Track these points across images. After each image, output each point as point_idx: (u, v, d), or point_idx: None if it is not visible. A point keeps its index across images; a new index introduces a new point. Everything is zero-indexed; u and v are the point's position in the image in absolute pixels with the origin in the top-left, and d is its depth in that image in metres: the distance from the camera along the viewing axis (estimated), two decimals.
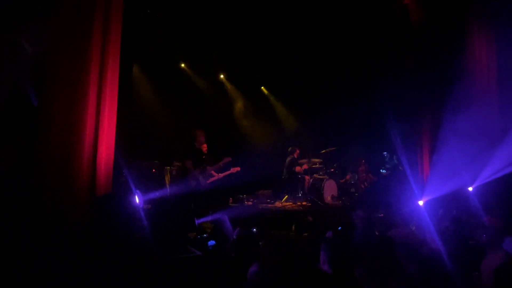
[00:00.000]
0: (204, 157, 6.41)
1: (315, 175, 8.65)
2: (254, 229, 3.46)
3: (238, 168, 6.82)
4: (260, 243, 3.27)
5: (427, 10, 7.48)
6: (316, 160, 8.89)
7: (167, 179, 7.46)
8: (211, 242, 5.24)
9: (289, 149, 8.66)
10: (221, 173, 6.69)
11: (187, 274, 3.16)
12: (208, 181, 6.40)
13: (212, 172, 6.55)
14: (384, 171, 9.88)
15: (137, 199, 3.60)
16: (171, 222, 4.20)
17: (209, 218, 5.50)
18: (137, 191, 3.66)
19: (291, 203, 8.14)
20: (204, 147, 6.51)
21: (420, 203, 6.78)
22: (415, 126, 8.15)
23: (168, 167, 7.62)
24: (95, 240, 3.10)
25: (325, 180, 8.31)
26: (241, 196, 8.40)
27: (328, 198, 8.21)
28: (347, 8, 7.84)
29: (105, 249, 3.00)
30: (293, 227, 6.96)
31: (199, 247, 4.35)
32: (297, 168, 8.45)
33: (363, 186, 9.46)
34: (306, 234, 5.97)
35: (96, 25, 3.66)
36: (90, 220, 3.26)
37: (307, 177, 8.53)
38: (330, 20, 8.14)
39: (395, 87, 8.55)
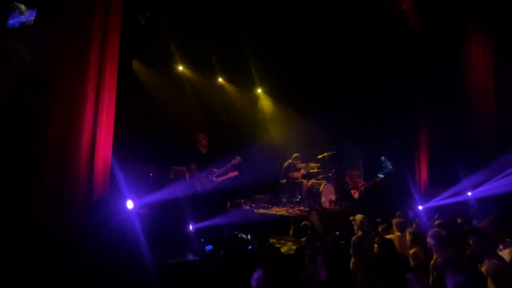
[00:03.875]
0: (206, 158, 6.40)
1: (313, 179, 8.65)
2: (249, 235, 3.45)
3: (236, 173, 6.82)
4: (253, 248, 3.26)
5: (425, 17, 7.53)
6: (314, 164, 8.89)
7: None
8: (209, 247, 5.24)
9: (294, 155, 8.66)
10: (224, 175, 6.67)
11: (183, 279, 3.15)
12: (217, 180, 6.38)
13: (220, 172, 6.55)
14: (382, 175, 9.88)
15: (131, 204, 3.59)
16: (167, 226, 4.20)
17: (207, 223, 5.50)
18: (132, 195, 3.65)
19: (289, 208, 8.14)
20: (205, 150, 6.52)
21: (420, 207, 6.79)
22: (413, 131, 8.18)
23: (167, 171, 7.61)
24: (88, 245, 3.10)
25: (323, 185, 8.31)
26: (239, 200, 8.39)
27: (326, 202, 8.21)
28: (347, 13, 7.88)
29: (98, 254, 2.99)
30: (291, 232, 6.96)
31: (196, 252, 4.34)
32: (295, 174, 8.44)
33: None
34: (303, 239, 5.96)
35: (94, 29, 3.67)
36: (85, 224, 3.26)
37: (304, 182, 8.53)
38: (329, 25, 8.18)
39: (393, 92, 8.59)
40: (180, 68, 9.31)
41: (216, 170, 6.49)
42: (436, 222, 5.08)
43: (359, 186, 8.84)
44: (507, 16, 7.09)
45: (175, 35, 8.16)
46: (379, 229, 5.27)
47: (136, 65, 8.10)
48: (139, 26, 7.01)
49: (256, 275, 2.45)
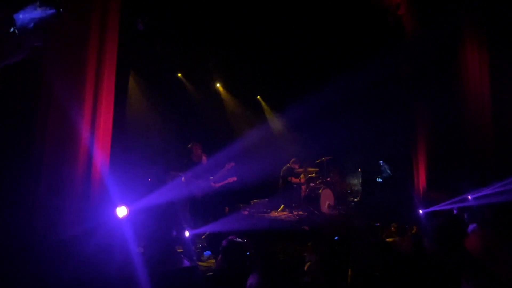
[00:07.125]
0: (200, 166, 6.38)
1: (311, 184, 8.63)
2: (245, 239, 3.41)
3: (235, 178, 6.78)
4: (248, 253, 3.23)
5: (420, 22, 7.58)
6: (313, 169, 8.88)
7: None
8: (207, 253, 5.20)
9: (292, 160, 8.65)
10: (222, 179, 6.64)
11: (179, 286, 3.10)
12: (216, 185, 6.36)
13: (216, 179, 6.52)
14: (380, 180, 9.88)
15: (125, 210, 3.55)
16: (163, 232, 4.16)
17: (204, 228, 5.46)
18: (126, 201, 3.62)
19: (287, 213, 8.11)
20: (204, 159, 6.48)
21: (420, 211, 6.78)
22: (411, 135, 8.18)
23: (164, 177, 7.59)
24: (73, 256, 3.06)
25: (321, 189, 8.29)
26: (238, 205, 8.36)
27: (324, 207, 8.18)
28: (344, 18, 7.92)
29: (84, 264, 2.95)
30: (289, 237, 6.91)
31: (194, 259, 4.30)
32: (293, 179, 8.43)
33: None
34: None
35: (92, 35, 3.66)
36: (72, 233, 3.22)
37: (303, 186, 8.51)
38: (326, 30, 8.21)
39: (391, 96, 8.61)
40: (179, 74, 9.34)
41: (211, 177, 6.46)
42: (437, 226, 5.06)
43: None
44: (502, 22, 7.14)
45: (174, 40, 8.18)
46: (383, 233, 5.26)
47: (133, 72, 8.11)
48: (137, 32, 7.02)
49: (250, 280, 2.42)
